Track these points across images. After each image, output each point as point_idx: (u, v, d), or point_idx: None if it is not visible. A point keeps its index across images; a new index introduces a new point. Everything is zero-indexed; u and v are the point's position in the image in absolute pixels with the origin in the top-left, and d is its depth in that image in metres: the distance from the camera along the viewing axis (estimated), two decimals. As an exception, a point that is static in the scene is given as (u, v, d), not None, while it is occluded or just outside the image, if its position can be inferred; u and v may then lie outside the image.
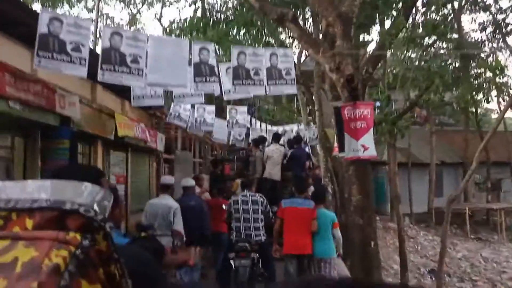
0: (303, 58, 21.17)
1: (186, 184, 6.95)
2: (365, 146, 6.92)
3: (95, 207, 0.75)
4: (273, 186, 9.65)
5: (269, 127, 17.01)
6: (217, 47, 12.15)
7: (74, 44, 4.99)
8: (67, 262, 0.69)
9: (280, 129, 16.13)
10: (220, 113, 15.55)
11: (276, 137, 10.91)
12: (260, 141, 11.11)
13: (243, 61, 6.38)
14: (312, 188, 8.30)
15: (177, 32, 15.14)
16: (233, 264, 6.28)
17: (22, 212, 0.71)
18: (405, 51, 10.43)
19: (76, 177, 1.14)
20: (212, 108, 12.22)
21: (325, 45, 7.66)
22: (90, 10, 26.83)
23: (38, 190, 0.76)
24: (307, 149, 13.80)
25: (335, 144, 10.27)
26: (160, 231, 5.55)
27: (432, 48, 12.02)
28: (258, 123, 17.46)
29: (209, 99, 17.59)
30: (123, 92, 8.78)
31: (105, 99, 8.51)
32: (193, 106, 12.29)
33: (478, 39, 20.47)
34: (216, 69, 6.20)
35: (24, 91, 4.94)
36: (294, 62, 8.95)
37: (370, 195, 7.17)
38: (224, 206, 7.34)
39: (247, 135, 13.98)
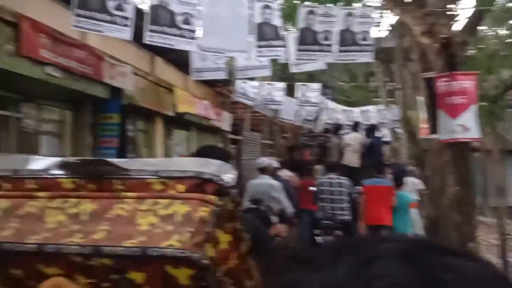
0: (383, 34, 19.46)
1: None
2: (465, 126, 5.65)
3: (225, 178, 1.16)
4: (351, 172, 9.61)
5: (344, 107, 15.77)
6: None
7: (116, 1, 4.31)
8: (210, 215, 1.10)
9: (356, 110, 14.84)
10: (290, 93, 14.61)
11: (355, 126, 11.26)
12: (337, 128, 11.69)
13: (311, 22, 5.37)
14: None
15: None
16: (318, 241, 6.75)
17: (175, 180, 1.16)
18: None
19: (211, 156, 1.47)
20: (281, 85, 11.29)
21: (414, 5, 6.38)
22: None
23: (186, 164, 1.22)
24: (387, 138, 13.95)
25: (422, 125, 8.92)
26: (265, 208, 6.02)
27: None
28: (332, 103, 16.32)
29: (280, 78, 16.66)
30: (185, 66, 8.14)
31: (165, 72, 7.92)
32: (259, 82, 11.50)
33: None
34: (281, 31, 5.26)
35: (65, 57, 4.36)
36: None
37: (471, 186, 5.90)
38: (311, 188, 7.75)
39: (318, 115, 12.93)
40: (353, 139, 10.46)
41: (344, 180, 7.30)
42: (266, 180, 6.52)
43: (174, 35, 4.63)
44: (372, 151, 10.15)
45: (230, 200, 1.19)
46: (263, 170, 6.76)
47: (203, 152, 2.18)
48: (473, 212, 6.07)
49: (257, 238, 1.46)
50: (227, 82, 11.95)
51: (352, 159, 10.14)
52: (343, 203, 7.10)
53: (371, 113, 14.19)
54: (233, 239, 1.21)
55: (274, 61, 19.01)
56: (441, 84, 5.70)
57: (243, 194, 6.13)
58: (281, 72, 21.53)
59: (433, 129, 6.08)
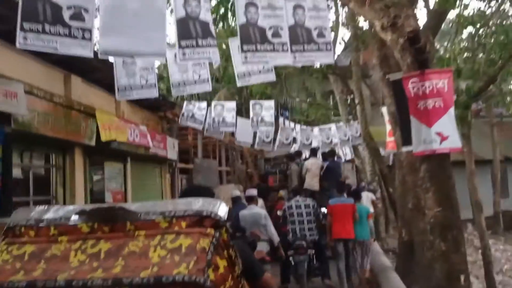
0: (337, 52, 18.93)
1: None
2: (443, 134, 4.69)
3: (219, 213, 1.39)
4: (312, 195, 9.76)
5: (303, 127, 14.84)
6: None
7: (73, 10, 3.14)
8: (209, 246, 1.32)
9: (315, 129, 13.91)
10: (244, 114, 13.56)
11: (313, 152, 11.66)
12: (295, 155, 11.97)
13: (253, 16, 4.31)
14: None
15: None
16: (292, 260, 7.16)
17: (178, 218, 1.38)
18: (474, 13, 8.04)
19: (198, 195, 1.83)
20: (232, 104, 10.19)
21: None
22: None
23: (186, 204, 1.42)
24: (348, 156, 14.77)
25: (388, 138, 8.00)
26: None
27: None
28: (289, 123, 15.37)
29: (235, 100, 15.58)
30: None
31: (86, 95, 6.62)
32: (209, 104, 10.35)
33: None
34: (211, 28, 4.14)
35: None
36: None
37: (455, 206, 4.88)
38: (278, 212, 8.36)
39: (275, 137, 11.88)
40: (312, 164, 10.91)
41: (310, 202, 7.76)
42: (255, 209, 6.73)
43: (59, 35, 3.41)
44: (329, 173, 10.61)
45: (224, 232, 1.43)
46: (251, 200, 6.98)
47: (189, 193, 2.30)
48: (461, 237, 5.04)
49: (246, 262, 1.64)
50: (172, 105, 10.77)
51: (312, 183, 10.56)
52: (311, 223, 7.55)
53: (331, 131, 13.23)
54: (228, 264, 1.44)
55: (226, 79, 17.69)
56: (411, 86, 4.73)
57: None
58: (237, 95, 20.53)
59: (405, 140, 5.09)
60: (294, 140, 12.91)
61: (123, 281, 1.26)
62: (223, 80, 20.70)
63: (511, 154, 20.58)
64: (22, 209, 1.61)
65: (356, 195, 8.11)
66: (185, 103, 10.23)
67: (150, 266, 1.28)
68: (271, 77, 6.13)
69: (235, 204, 7.25)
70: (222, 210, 1.41)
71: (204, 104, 10.19)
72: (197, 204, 1.42)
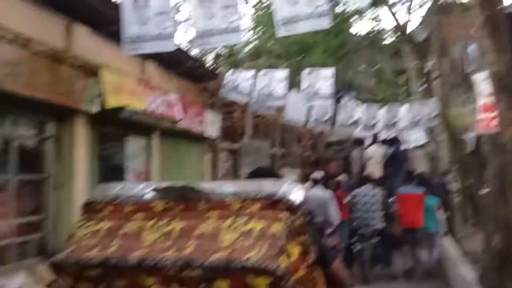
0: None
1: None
2: None
3: (293, 196, 1.35)
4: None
5: (365, 106, 12.91)
6: None
7: None
8: (282, 231, 1.27)
9: (382, 110, 11.95)
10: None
11: (375, 138, 11.46)
12: (357, 142, 11.84)
13: None
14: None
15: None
16: (356, 247, 7.33)
17: (252, 200, 1.35)
18: None
19: (266, 176, 1.72)
20: (282, 73, 8.62)
21: None
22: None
23: (259, 186, 1.38)
24: (421, 141, 13.55)
25: (482, 115, 6.08)
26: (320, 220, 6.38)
27: None
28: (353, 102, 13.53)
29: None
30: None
31: (100, 52, 5.40)
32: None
33: None
34: None
35: None
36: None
37: None
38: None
39: (335, 116, 10.12)
40: (375, 151, 10.76)
41: (378, 190, 7.74)
42: (320, 192, 6.82)
43: None
44: (394, 162, 10.40)
45: (299, 216, 1.38)
46: (317, 182, 7.10)
47: (256, 175, 2.15)
48: None
49: (317, 249, 1.55)
50: (215, 75, 9.43)
51: (374, 170, 10.20)
52: (377, 212, 7.56)
53: (400, 111, 11.13)
54: (302, 251, 1.40)
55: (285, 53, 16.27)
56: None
57: None
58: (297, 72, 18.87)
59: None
60: (358, 121, 11.12)
61: (193, 263, 1.28)
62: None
63: None
64: (100, 185, 1.63)
65: (426, 184, 8.00)
66: (229, 72, 8.86)
67: (221, 249, 1.29)
68: (326, 23, 4.52)
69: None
70: (297, 193, 1.37)
71: (250, 73, 8.73)
72: (271, 186, 1.39)
